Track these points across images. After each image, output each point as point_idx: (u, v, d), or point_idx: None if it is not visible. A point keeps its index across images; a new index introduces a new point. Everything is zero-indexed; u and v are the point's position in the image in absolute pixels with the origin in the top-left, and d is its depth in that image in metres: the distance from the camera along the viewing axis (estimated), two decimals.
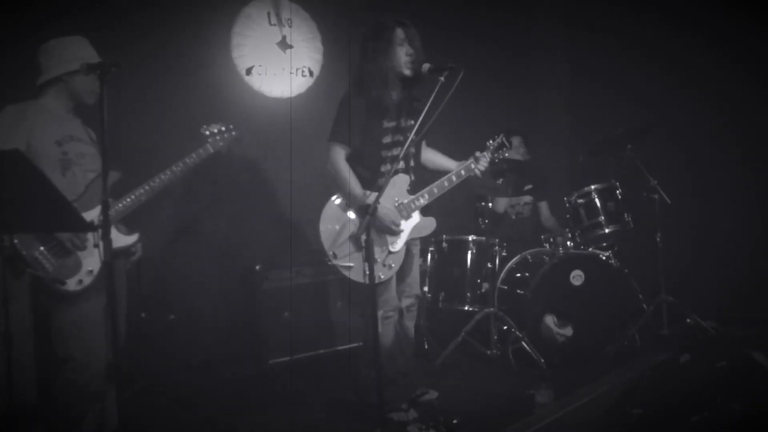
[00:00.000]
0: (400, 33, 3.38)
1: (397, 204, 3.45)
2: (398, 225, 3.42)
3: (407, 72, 3.39)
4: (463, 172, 3.58)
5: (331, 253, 3.38)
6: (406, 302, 3.64)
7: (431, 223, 3.58)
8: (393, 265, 3.43)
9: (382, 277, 3.41)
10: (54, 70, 2.99)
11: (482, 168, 3.61)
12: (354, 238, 3.39)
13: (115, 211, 2.98)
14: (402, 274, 3.60)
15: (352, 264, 3.38)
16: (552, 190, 5.26)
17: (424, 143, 3.73)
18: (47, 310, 2.89)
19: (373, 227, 3.17)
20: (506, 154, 3.72)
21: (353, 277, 3.38)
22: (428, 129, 3.48)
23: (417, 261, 3.71)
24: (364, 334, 3.66)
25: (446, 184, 3.54)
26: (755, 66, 5.00)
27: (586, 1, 5.89)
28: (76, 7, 3.82)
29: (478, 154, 3.62)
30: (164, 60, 4.40)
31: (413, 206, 3.49)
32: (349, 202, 3.41)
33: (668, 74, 5.40)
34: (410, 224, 3.50)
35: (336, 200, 3.45)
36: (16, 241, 2.74)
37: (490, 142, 3.68)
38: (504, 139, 3.68)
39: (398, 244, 3.45)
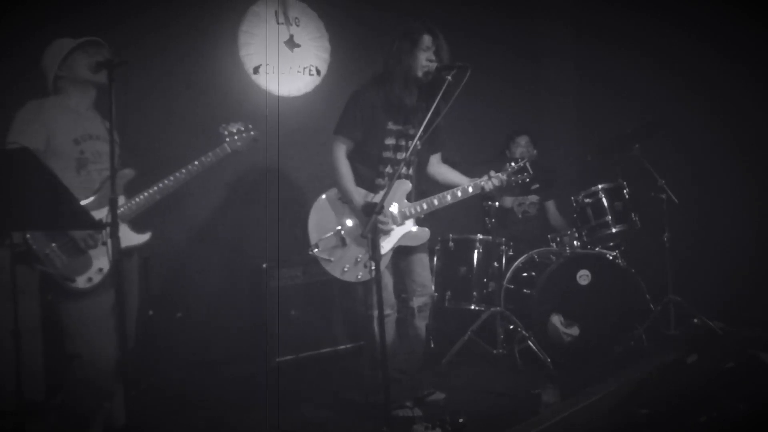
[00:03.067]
0: (426, 39, 3.36)
1: (391, 208, 3.42)
2: (385, 225, 3.34)
3: (419, 74, 3.36)
4: (470, 189, 3.50)
5: (314, 243, 3.39)
6: (418, 302, 3.62)
7: (424, 234, 3.53)
8: (373, 268, 3.41)
9: (360, 276, 3.40)
10: (48, 71, 3.01)
11: (491, 187, 3.51)
12: (339, 234, 3.40)
13: (128, 209, 2.99)
14: (407, 273, 3.60)
15: (332, 259, 3.39)
16: (559, 189, 5.25)
17: (438, 158, 3.72)
18: (55, 307, 2.90)
19: (364, 226, 3.15)
20: (527, 180, 3.59)
21: (331, 270, 3.40)
22: (440, 141, 3.54)
23: (422, 258, 3.67)
24: (363, 335, 3.66)
25: (449, 197, 3.48)
26: (762, 68, 4.98)
27: (593, 3, 5.89)
28: (85, 6, 3.85)
29: (492, 173, 3.54)
30: (171, 59, 4.42)
31: (408, 214, 3.46)
32: (343, 197, 3.43)
33: (675, 75, 5.39)
34: (401, 231, 3.46)
35: (331, 193, 3.47)
36: (28, 236, 2.75)
37: (510, 164, 3.58)
38: (527, 165, 3.55)
39: (384, 248, 3.40)
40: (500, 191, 4.60)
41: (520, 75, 6.20)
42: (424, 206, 3.47)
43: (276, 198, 4.98)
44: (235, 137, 3.25)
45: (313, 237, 3.41)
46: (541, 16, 6.36)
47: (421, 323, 3.65)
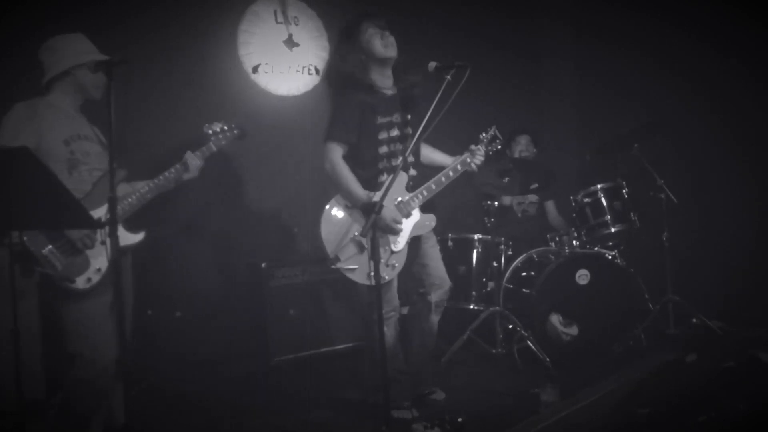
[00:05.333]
0: (366, 26, 3.37)
1: (397, 202, 3.41)
2: (399, 223, 3.37)
3: (391, 53, 3.37)
4: (459, 166, 3.52)
5: (334, 256, 3.33)
6: (437, 296, 3.58)
7: (431, 220, 3.53)
8: (396, 265, 3.41)
9: (386, 277, 3.36)
10: (61, 64, 2.99)
11: (478, 162, 3.54)
12: (356, 240, 3.35)
13: (121, 209, 2.99)
14: (424, 267, 3.58)
15: (356, 266, 3.34)
16: (559, 189, 5.25)
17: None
18: (55, 307, 2.90)
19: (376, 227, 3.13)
20: (499, 147, 3.65)
21: (357, 279, 3.34)
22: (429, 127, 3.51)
23: (434, 251, 3.65)
24: (365, 335, 3.65)
25: (443, 179, 3.48)
26: (762, 68, 4.99)
27: (593, 3, 5.89)
28: (83, 4, 3.84)
29: (473, 147, 3.57)
30: (171, 58, 4.41)
31: (413, 204, 3.44)
32: (350, 202, 3.37)
33: (675, 75, 5.38)
34: (411, 222, 3.46)
35: (335, 202, 3.41)
36: (25, 238, 2.75)
37: (483, 135, 3.63)
38: (496, 131, 3.61)
39: (400, 243, 3.41)
40: (500, 191, 4.62)
41: (520, 75, 6.20)
42: (425, 193, 3.46)
43: (276, 197, 4.99)
44: (219, 136, 3.29)
45: (330, 249, 3.33)
46: (541, 16, 6.36)
47: (436, 318, 3.63)
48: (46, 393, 3.02)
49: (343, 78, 3.42)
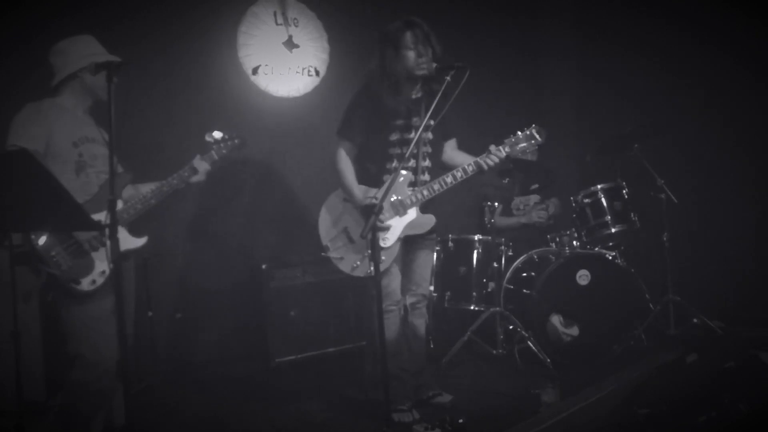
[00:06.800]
0: (409, 36, 3.36)
1: (392, 200, 3.40)
2: (381, 222, 3.32)
3: (421, 72, 3.36)
4: (469, 168, 3.40)
5: (325, 244, 3.48)
6: (410, 300, 3.62)
7: (429, 220, 3.51)
8: (383, 260, 3.36)
9: (371, 271, 3.33)
10: (69, 67, 3.00)
11: (491, 163, 3.40)
12: (346, 231, 3.45)
13: (126, 214, 3.00)
14: (405, 270, 3.59)
15: (342, 257, 3.45)
16: (558, 189, 5.25)
17: (452, 145, 3.67)
18: (57, 308, 2.90)
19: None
20: (536, 148, 3.51)
21: (343, 268, 3.46)
22: (449, 129, 3.56)
23: (424, 258, 3.65)
24: (368, 331, 3.66)
25: (449, 179, 3.40)
26: (763, 69, 4.99)
27: (594, 2, 5.89)
28: (84, 5, 3.85)
29: (492, 147, 3.44)
30: (170, 59, 4.42)
31: (409, 202, 3.42)
32: (348, 197, 3.48)
33: (675, 75, 5.39)
34: (404, 220, 3.44)
35: (336, 193, 3.53)
36: (33, 236, 2.75)
37: (517, 134, 3.44)
38: (533, 131, 3.43)
39: (389, 240, 3.41)
40: (500, 192, 4.61)
41: (520, 74, 6.20)
42: (425, 192, 3.42)
43: (275, 198, 5.00)
44: (221, 145, 3.31)
45: (324, 239, 3.49)
46: (542, 16, 6.36)
47: (416, 320, 3.64)
48: (46, 394, 3.02)
49: (374, 80, 3.44)
